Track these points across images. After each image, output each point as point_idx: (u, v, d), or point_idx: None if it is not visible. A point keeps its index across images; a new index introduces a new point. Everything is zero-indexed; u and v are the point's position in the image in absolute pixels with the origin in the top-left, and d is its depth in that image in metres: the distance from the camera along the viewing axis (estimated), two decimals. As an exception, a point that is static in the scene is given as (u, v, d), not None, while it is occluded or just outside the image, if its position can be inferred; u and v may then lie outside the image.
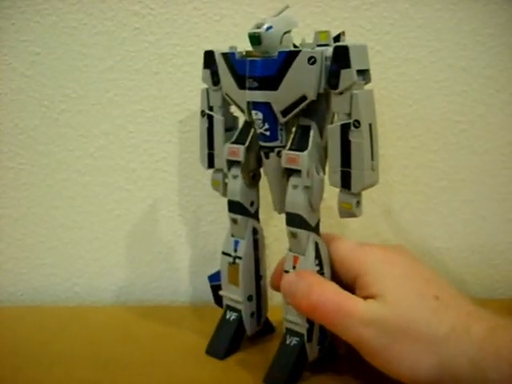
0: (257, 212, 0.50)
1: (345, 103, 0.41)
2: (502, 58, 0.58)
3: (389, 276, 0.42)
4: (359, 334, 0.40)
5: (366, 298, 0.41)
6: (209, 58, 0.48)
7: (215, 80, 0.48)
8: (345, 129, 0.41)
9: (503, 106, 0.59)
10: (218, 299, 0.51)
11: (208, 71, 0.48)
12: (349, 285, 0.43)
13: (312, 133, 0.43)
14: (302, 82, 0.42)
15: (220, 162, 0.49)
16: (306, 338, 0.45)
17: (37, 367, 0.48)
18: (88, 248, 0.64)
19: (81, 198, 0.63)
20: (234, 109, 0.50)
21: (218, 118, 0.49)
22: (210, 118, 0.50)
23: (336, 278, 0.44)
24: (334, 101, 0.41)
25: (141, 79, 0.60)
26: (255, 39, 0.42)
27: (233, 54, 0.46)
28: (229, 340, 0.49)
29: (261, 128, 0.44)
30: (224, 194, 0.50)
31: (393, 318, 0.39)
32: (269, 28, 0.42)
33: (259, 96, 0.43)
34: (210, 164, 0.51)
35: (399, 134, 0.60)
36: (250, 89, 0.44)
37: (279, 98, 0.43)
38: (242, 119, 0.49)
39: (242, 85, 0.45)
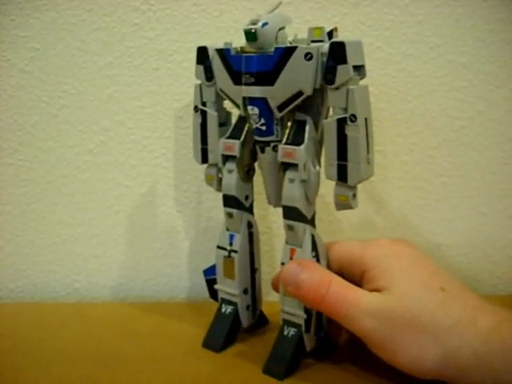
0: (251, 206, 0.51)
1: (341, 98, 0.41)
2: (503, 54, 0.58)
3: (396, 269, 0.42)
4: (364, 326, 0.41)
5: (373, 290, 0.42)
6: (202, 53, 0.48)
7: (208, 76, 0.48)
8: (341, 123, 0.41)
9: (503, 102, 0.59)
10: (214, 293, 0.52)
11: (201, 67, 0.49)
12: (356, 281, 0.44)
13: (308, 127, 0.44)
14: (298, 77, 0.42)
15: (214, 157, 0.50)
16: (303, 328, 0.45)
17: (36, 364, 0.48)
18: (87, 244, 0.64)
19: (80, 195, 0.63)
20: (227, 104, 0.50)
21: (212, 114, 0.49)
22: (204, 114, 0.50)
23: (343, 277, 0.44)
24: (330, 96, 0.42)
25: (140, 75, 0.60)
26: (251, 35, 0.43)
27: (228, 50, 0.46)
28: (225, 333, 0.50)
29: (257, 123, 0.45)
30: (218, 189, 0.51)
31: (398, 309, 0.40)
32: (265, 24, 0.43)
33: (255, 91, 0.44)
34: (204, 159, 0.51)
35: (399, 130, 0.60)
36: (246, 84, 0.44)
37: (275, 94, 0.43)
38: (235, 114, 0.50)
39: (237, 80, 0.45)
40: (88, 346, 0.51)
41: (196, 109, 0.50)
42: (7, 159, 0.62)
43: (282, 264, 0.46)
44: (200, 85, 0.50)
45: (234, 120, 0.50)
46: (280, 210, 0.46)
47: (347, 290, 0.42)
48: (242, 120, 0.48)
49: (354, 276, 0.44)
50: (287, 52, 0.42)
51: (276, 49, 0.43)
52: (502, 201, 0.61)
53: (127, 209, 0.63)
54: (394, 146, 0.60)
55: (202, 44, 0.49)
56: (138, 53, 0.60)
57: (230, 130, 0.49)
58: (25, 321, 0.57)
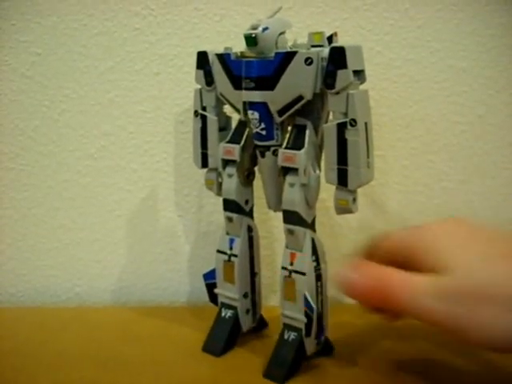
0: (251, 210, 0.51)
1: (341, 103, 0.41)
2: (503, 59, 0.58)
3: (450, 248, 0.40)
4: (431, 310, 0.39)
5: (430, 274, 0.40)
6: (202, 58, 0.49)
7: (208, 80, 0.49)
8: (341, 127, 0.42)
9: (503, 106, 0.59)
10: (213, 297, 0.52)
11: (201, 72, 0.49)
12: (407, 269, 0.42)
13: (308, 132, 0.44)
14: (298, 82, 0.43)
15: (214, 161, 0.50)
16: (304, 332, 0.45)
17: (37, 368, 0.49)
18: (88, 249, 0.64)
19: (81, 199, 0.63)
20: (227, 108, 0.50)
21: (212, 118, 0.50)
22: (204, 118, 0.50)
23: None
24: (330, 100, 0.42)
25: (141, 80, 0.60)
26: (251, 40, 0.43)
27: (228, 54, 0.46)
28: (225, 337, 0.50)
29: (257, 127, 0.45)
30: (218, 194, 0.51)
31: (463, 287, 0.38)
32: (265, 29, 0.43)
33: (256, 96, 0.44)
34: (204, 164, 0.51)
35: (399, 134, 0.60)
36: (247, 89, 0.44)
37: (276, 98, 0.44)
38: (235, 119, 0.50)
39: (237, 85, 0.45)
40: (89, 350, 0.51)
41: (196, 113, 0.51)
42: (8, 164, 0.62)
43: (283, 268, 0.46)
44: (200, 89, 0.50)
45: (234, 124, 0.50)
46: (280, 215, 0.46)
47: (411, 280, 0.40)
48: (242, 124, 0.48)
49: (406, 263, 0.42)
50: (287, 57, 0.42)
51: (276, 53, 0.43)
52: (503, 205, 0.61)
53: (128, 213, 0.63)
54: (394, 150, 0.60)
55: (202, 49, 0.49)
56: (138, 57, 0.60)
57: (230, 134, 0.49)
58: (26, 325, 0.57)
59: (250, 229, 0.50)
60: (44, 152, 0.62)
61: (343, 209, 0.44)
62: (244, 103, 0.45)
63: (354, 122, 0.41)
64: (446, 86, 0.59)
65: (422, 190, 0.61)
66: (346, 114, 0.41)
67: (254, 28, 0.43)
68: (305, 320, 0.45)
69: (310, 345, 0.46)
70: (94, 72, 0.60)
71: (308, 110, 0.44)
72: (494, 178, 0.60)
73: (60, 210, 0.63)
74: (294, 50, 0.43)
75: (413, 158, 0.60)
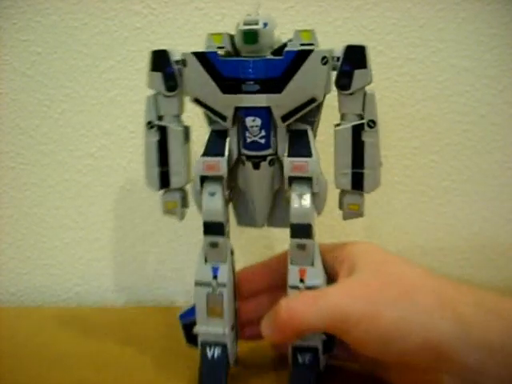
0: (228, 231, 0.45)
1: (356, 104, 0.40)
2: (505, 58, 0.58)
3: (361, 255, 0.40)
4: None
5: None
6: (160, 59, 0.43)
7: (171, 85, 0.42)
8: (357, 130, 0.40)
9: (506, 106, 0.59)
10: (193, 338, 0.45)
11: (159, 74, 0.42)
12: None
13: (311, 137, 0.41)
14: (311, 83, 0.39)
15: (179, 180, 0.44)
16: (321, 349, 0.42)
17: (37, 368, 0.48)
18: (89, 248, 0.63)
19: (82, 198, 0.62)
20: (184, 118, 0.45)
21: (176, 129, 0.43)
22: (162, 130, 0.43)
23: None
24: (342, 102, 0.41)
25: (142, 79, 0.60)
26: (252, 36, 0.39)
27: (214, 53, 0.41)
28: (224, 381, 0.43)
29: (256, 136, 0.41)
30: (182, 218, 0.46)
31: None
32: (265, 24, 0.39)
33: (259, 100, 0.40)
34: (164, 184, 0.44)
35: (401, 134, 0.60)
36: (247, 92, 0.40)
37: (282, 102, 0.40)
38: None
39: (228, 88, 0.40)
40: (88, 351, 0.51)
41: (150, 125, 0.43)
42: (8, 163, 0.62)
43: (292, 287, 0.42)
44: (154, 96, 0.43)
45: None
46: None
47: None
48: (220, 134, 0.43)
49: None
50: (300, 56, 0.39)
51: (286, 52, 0.39)
52: (505, 205, 0.61)
53: (129, 213, 0.63)
54: (396, 150, 0.60)
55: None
56: (139, 56, 0.59)
57: (207, 146, 0.43)
58: (25, 325, 0.57)
59: (232, 252, 0.45)
60: (44, 151, 0.62)
61: (354, 213, 0.42)
62: (237, 109, 0.40)
63: (372, 124, 0.40)
64: (448, 85, 0.59)
65: (424, 190, 0.61)
66: (360, 116, 0.40)
67: (250, 23, 0.39)
68: (323, 336, 0.42)
69: (323, 360, 0.43)
70: (95, 71, 0.60)
71: (306, 114, 0.41)
72: (496, 178, 0.60)
73: (60, 209, 0.63)
74: (307, 48, 0.39)
75: (415, 157, 0.60)
